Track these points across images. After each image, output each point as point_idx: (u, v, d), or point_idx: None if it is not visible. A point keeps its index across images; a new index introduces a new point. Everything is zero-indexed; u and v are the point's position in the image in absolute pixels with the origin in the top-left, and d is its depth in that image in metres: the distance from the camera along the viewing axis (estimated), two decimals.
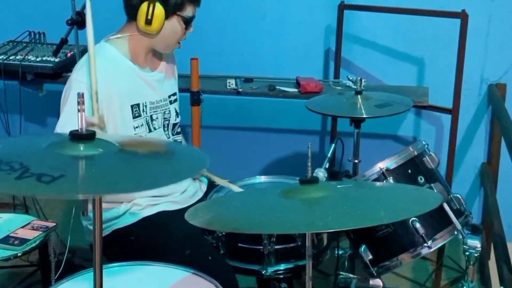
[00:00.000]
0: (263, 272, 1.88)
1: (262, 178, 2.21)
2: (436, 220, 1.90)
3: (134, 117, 2.02)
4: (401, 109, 2.31)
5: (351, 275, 1.93)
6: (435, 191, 1.87)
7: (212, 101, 2.77)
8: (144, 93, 2.06)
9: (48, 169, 1.02)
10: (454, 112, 2.75)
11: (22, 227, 2.15)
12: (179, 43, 2.09)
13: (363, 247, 1.93)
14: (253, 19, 3.19)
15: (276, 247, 1.87)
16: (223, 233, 1.92)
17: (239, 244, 1.91)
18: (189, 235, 1.92)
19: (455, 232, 1.91)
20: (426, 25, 2.98)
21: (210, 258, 1.86)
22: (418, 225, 1.87)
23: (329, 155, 2.11)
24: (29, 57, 2.83)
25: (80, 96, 1.18)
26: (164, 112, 2.14)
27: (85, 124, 1.17)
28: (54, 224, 2.18)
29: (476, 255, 1.75)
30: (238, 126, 3.36)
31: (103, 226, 1.56)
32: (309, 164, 1.41)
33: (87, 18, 1.73)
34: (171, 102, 2.17)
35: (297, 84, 2.79)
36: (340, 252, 2.21)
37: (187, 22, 2.03)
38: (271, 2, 3.17)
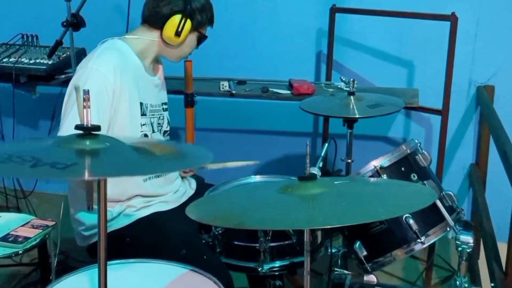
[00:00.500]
0: (259, 269, 1.89)
1: (257, 178, 2.23)
2: (429, 217, 1.92)
3: (142, 115, 2.05)
4: (393, 110, 2.34)
5: (345, 272, 1.95)
6: None
7: (206, 103, 2.78)
8: (148, 94, 2.09)
9: (60, 159, 1.04)
10: (443, 113, 2.77)
11: (22, 226, 2.16)
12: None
13: (357, 244, 1.94)
14: (246, 22, 3.22)
15: (272, 244, 1.88)
16: (219, 231, 1.94)
17: (235, 242, 1.92)
18: (184, 235, 1.94)
19: (448, 229, 1.93)
20: (416, 28, 3.00)
21: (205, 257, 1.88)
22: (411, 221, 1.88)
23: (322, 154, 2.14)
24: (22, 60, 2.83)
25: (86, 93, 1.20)
26: (159, 117, 2.16)
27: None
28: (54, 223, 2.20)
29: (468, 250, 1.77)
30: (231, 127, 3.39)
31: (96, 230, 1.58)
32: (308, 161, 1.44)
33: None
34: (163, 110, 2.20)
35: (290, 86, 2.82)
36: (333, 251, 2.24)
37: (201, 39, 2.14)
38: (264, 5, 3.19)
